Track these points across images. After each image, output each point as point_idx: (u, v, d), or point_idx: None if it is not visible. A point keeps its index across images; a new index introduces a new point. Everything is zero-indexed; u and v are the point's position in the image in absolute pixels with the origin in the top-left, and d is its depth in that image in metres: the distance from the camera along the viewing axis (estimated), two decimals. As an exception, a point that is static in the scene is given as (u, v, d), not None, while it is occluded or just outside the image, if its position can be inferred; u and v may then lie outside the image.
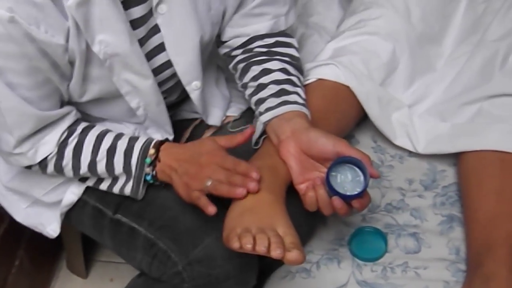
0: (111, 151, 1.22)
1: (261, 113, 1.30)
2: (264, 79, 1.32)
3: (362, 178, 1.18)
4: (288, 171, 1.23)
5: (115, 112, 1.30)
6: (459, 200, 1.42)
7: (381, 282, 1.32)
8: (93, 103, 1.26)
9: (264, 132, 1.32)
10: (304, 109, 1.28)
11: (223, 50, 1.40)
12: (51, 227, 1.43)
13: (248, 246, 1.07)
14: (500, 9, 1.52)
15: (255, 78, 1.33)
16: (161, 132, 1.33)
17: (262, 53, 1.35)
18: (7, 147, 1.21)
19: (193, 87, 1.30)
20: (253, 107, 1.34)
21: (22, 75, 1.12)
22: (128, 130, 1.32)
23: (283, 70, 1.33)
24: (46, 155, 1.22)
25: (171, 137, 1.34)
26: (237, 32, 1.36)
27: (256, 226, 1.10)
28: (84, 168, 1.24)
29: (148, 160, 1.21)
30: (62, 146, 1.23)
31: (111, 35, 1.14)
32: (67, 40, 1.12)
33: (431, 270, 1.33)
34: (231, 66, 1.41)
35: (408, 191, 1.46)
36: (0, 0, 1.04)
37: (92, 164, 1.23)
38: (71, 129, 1.23)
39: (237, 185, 1.14)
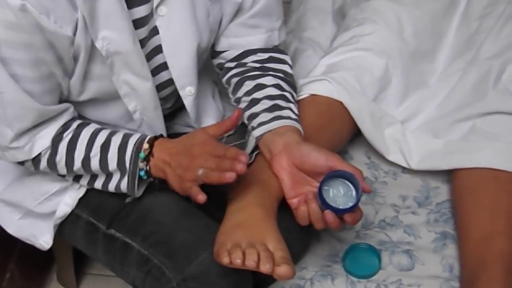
0: (105, 146, 1.22)
1: (253, 128, 1.30)
2: (257, 94, 1.32)
3: (354, 192, 1.18)
4: (280, 186, 1.23)
5: (112, 115, 1.30)
6: (453, 217, 1.42)
7: (374, 299, 1.31)
8: (90, 104, 1.26)
9: (256, 147, 1.32)
10: (296, 124, 1.28)
11: (217, 61, 1.41)
12: (44, 239, 1.42)
13: (237, 261, 1.07)
14: (494, 27, 1.53)
15: (248, 93, 1.33)
16: None
17: (255, 68, 1.35)
18: (4, 141, 1.20)
19: (187, 93, 1.30)
20: (246, 121, 1.34)
21: (27, 66, 1.12)
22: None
23: (276, 86, 1.33)
24: (42, 149, 1.21)
25: None
26: (231, 42, 1.36)
27: (247, 241, 1.10)
28: (77, 164, 1.23)
29: (142, 155, 1.20)
30: (56, 141, 1.22)
31: (114, 32, 1.15)
32: (74, 33, 1.12)
33: (424, 287, 1.32)
34: (224, 79, 1.41)
35: (401, 207, 1.45)
36: None
37: (86, 160, 1.22)
38: (66, 125, 1.22)
39: (227, 170, 1.12)
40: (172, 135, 1.46)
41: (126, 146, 1.21)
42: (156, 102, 1.26)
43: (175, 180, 1.17)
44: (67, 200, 1.33)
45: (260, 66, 1.35)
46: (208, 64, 1.43)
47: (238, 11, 1.33)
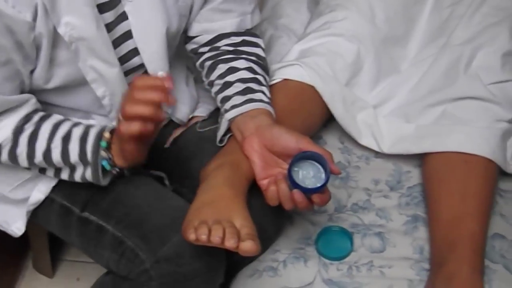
0: (66, 138, 1.20)
1: (226, 111, 1.31)
2: (230, 77, 1.33)
3: (323, 174, 1.19)
4: (250, 167, 1.25)
5: (82, 102, 1.29)
6: (424, 201, 1.44)
7: (346, 281, 1.32)
8: (59, 91, 1.25)
9: (229, 130, 1.33)
10: (268, 107, 1.30)
11: (191, 46, 1.41)
12: (16, 225, 1.41)
13: (203, 237, 1.08)
14: (465, 14, 1.54)
15: (221, 76, 1.34)
16: None
17: (228, 52, 1.36)
18: None
19: None
20: (219, 104, 1.35)
21: None
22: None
23: (249, 69, 1.34)
24: (1, 140, 1.19)
25: None
26: (204, 27, 1.37)
27: (214, 218, 1.12)
28: (39, 157, 1.21)
29: (103, 143, 1.19)
30: (17, 132, 1.20)
31: (77, 18, 1.14)
32: (34, 19, 1.11)
33: (395, 269, 1.34)
34: (198, 63, 1.41)
35: (374, 191, 1.47)
36: None
37: (47, 152, 1.21)
38: (28, 116, 1.20)
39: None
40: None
41: (87, 136, 1.20)
42: (125, 87, 1.25)
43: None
44: (41, 187, 1.33)
45: (233, 50, 1.36)
46: (181, 50, 1.43)
47: None
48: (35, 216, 1.40)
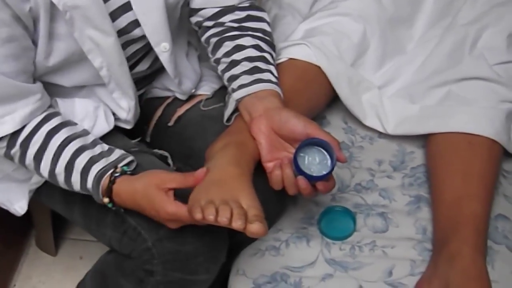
0: (69, 168, 1.21)
1: (234, 90, 1.30)
2: (237, 56, 1.32)
3: (329, 161, 1.19)
4: (257, 148, 1.24)
5: (83, 77, 1.28)
6: (427, 181, 1.44)
7: (349, 261, 1.33)
8: (60, 70, 1.25)
9: (236, 109, 1.33)
10: (277, 88, 1.29)
11: (195, 19, 1.40)
12: (19, 204, 1.42)
13: (210, 217, 1.07)
14: (471, -6, 1.54)
15: (228, 54, 1.33)
16: (126, 98, 1.32)
17: (234, 28, 1.35)
18: None
19: (162, 49, 1.29)
20: (226, 83, 1.35)
21: None
22: (89, 107, 1.31)
23: (256, 47, 1.33)
24: (2, 135, 1.19)
25: (132, 102, 1.32)
26: None
27: (220, 198, 1.10)
28: (45, 174, 1.23)
29: (110, 205, 1.20)
30: (24, 146, 1.21)
31: None
32: None
33: (398, 249, 1.35)
34: (203, 39, 1.40)
35: (377, 171, 1.47)
36: None
37: (52, 174, 1.22)
38: (35, 128, 1.20)
39: None
40: (151, 99, 1.48)
41: (88, 175, 1.20)
42: (121, 58, 1.24)
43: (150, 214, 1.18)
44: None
45: (238, 26, 1.35)
46: (183, 24, 1.42)
47: None
48: (38, 194, 1.41)
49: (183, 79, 1.41)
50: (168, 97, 1.48)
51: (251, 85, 1.28)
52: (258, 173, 1.25)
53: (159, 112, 1.48)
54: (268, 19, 1.39)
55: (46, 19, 1.15)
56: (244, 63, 1.31)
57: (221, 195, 1.11)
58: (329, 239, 1.37)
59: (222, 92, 1.47)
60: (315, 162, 1.21)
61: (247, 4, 1.37)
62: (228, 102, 1.35)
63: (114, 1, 1.22)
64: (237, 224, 1.07)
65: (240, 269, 1.36)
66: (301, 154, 1.20)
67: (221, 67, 1.35)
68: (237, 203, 1.10)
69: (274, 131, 1.24)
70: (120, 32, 1.24)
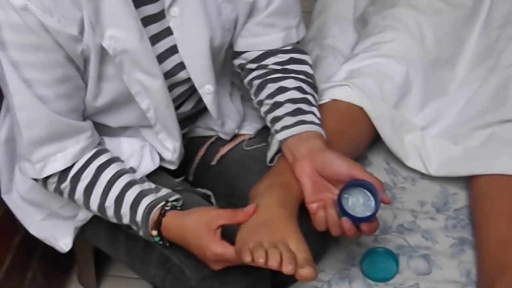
0: (119, 201, 1.22)
1: (277, 131, 1.31)
2: (280, 97, 1.33)
3: (373, 203, 1.19)
4: (300, 189, 1.24)
5: (130, 118, 1.30)
6: (470, 223, 1.43)
7: (392, 302, 1.33)
8: (108, 110, 1.27)
9: (279, 150, 1.34)
10: (320, 130, 1.30)
11: (238, 62, 1.41)
12: (64, 241, 1.44)
13: (260, 261, 1.06)
14: (515, 36, 1.54)
15: (271, 96, 1.35)
16: (172, 139, 1.33)
17: (277, 71, 1.36)
18: (20, 149, 1.21)
19: (206, 91, 1.31)
20: (269, 124, 1.36)
21: (38, 69, 1.12)
22: (136, 147, 1.33)
23: (298, 89, 1.34)
24: (53, 172, 1.21)
25: (178, 143, 1.34)
26: (249, 41, 1.36)
27: (269, 240, 1.10)
28: (94, 208, 1.25)
29: (157, 238, 1.21)
30: (74, 180, 1.22)
31: (121, 31, 1.15)
32: (80, 32, 1.12)
33: (441, 292, 1.34)
34: (246, 81, 1.41)
35: (420, 213, 1.47)
36: None
37: (101, 208, 1.24)
38: (86, 163, 1.23)
39: None
40: (194, 138, 1.49)
41: (138, 207, 1.22)
42: (168, 100, 1.26)
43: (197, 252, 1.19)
44: None
45: (281, 68, 1.36)
46: (227, 66, 1.44)
47: (253, 11, 1.33)
48: (83, 231, 1.43)
49: (226, 120, 1.42)
50: (211, 136, 1.49)
51: (294, 126, 1.29)
52: (300, 213, 1.25)
53: (202, 151, 1.49)
54: (310, 62, 1.40)
55: (96, 61, 1.17)
56: (287, 104, 1.32)
57: (270, 237, 1.11)
58: (372, 281, 1.36)
59: (264, 132, 1.48)
60: (359, 203, 1.20)
61: (290, 47, 1.38)
62: (271, 143, 1.36)
63: (161, 44, 1.24)
64: (287, 269, 1.06)
65: (282, 310, 1.36)
66: (345, 195, 1.20)
67: (264, 108, 1.36)
68: (286, 246, 1.09)
69: (317, 173, 1.24)
70: (167, 75, 1.26)
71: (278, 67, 1.37)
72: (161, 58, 1.24)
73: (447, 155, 1.49)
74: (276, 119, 1.32)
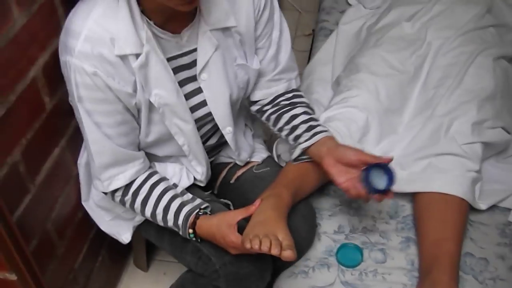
0: (166, 209, 1.22)
1: (300, 143, 1.32)
2: (294, 122, 1.35)
3: (386, 177, 1.21)
4: (289, 198, 1.25)
5: (171, 149, 1.30)
6: (414, 227, 1.41)
7: (358, 283, 1.31)
8: (156, 144, 1.26)
9: (298, 156, 1.34)
10: (329, 133, 1.32)
11: (255, 108, 1.41)
12: (125, 236, 1.43)
13: (256, 246, 1.08)
14: (445, 94, 1.52)
15: (287, 123, 1.35)
16: (200, 166, 1.33)
17: (286, 105, 1.37)
18: (93, 170, 1.21)
19: (227, 131, 1.31)
20: (291, 142, 1.36)
21: (105, 116, 1.12)
22: (176, 169, 1.32)
23: (305, 113, 1.36)
24: (116, 187, 1.21)
25: (204, 168, 1.33)
26: (263, 92, 1.37)
27: (263, 233, 1.11)
28: (147, 215, 1.24)
29: (191, 235, 1.21)
30: (135, 194, 1.22)
31: (163, 90, 1.15)
32: (134, 90, 1.12)
33: (393, 276, 1.31)
34: (263, 118, 1.42)
35: (378, 218, 1.45)
36: (86, 60, 1.06)
37: (153, 214, 1.24)
38: (142, 182, 1.23)
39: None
40: (218, 164, 1.48)
41: (179, 215, 1.22)
42: (197, 138, 1.26)
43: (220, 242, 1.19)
44: None
45: (289, 102, 1.37)
46: (240, 113, 1.43)
47: (265, 72, 1.34)
48: (139, 228, 1.42)
49: (241, 152, 1.42)
50: (230, 163, 1.48)
51: (312, 138, 1.31)
52: (291, 217, 1.24)
53: (223, 173, 1.48)
54: (305, 96, 1.42)
55: (146, 110, 1.17)
56: (301, 126, 1.33)
57: (264, 231, 1.11)
58: (344, 267, 1.34)
59: (269, 160, 1.47)
60: (377, 179, 1.22)
61: (292, 88, 1.39)
62: (294, 151, 1.36)
63: (193, 99, 1.24)
64: (274, 251, 1.07)
65: (279, 287, 1.33)
66: (369, 172, 1.22)
67: (284, 133, 1.36)
68: (275, 236, 1.10)
69: (338, 162, 1.25)
70: (197, 120, 1.26)
71: (287, 102, 1.37)
72: (194, 109, 1.24)
73: (397, 177, 1.47)
74: (297, 137, 1.33)
